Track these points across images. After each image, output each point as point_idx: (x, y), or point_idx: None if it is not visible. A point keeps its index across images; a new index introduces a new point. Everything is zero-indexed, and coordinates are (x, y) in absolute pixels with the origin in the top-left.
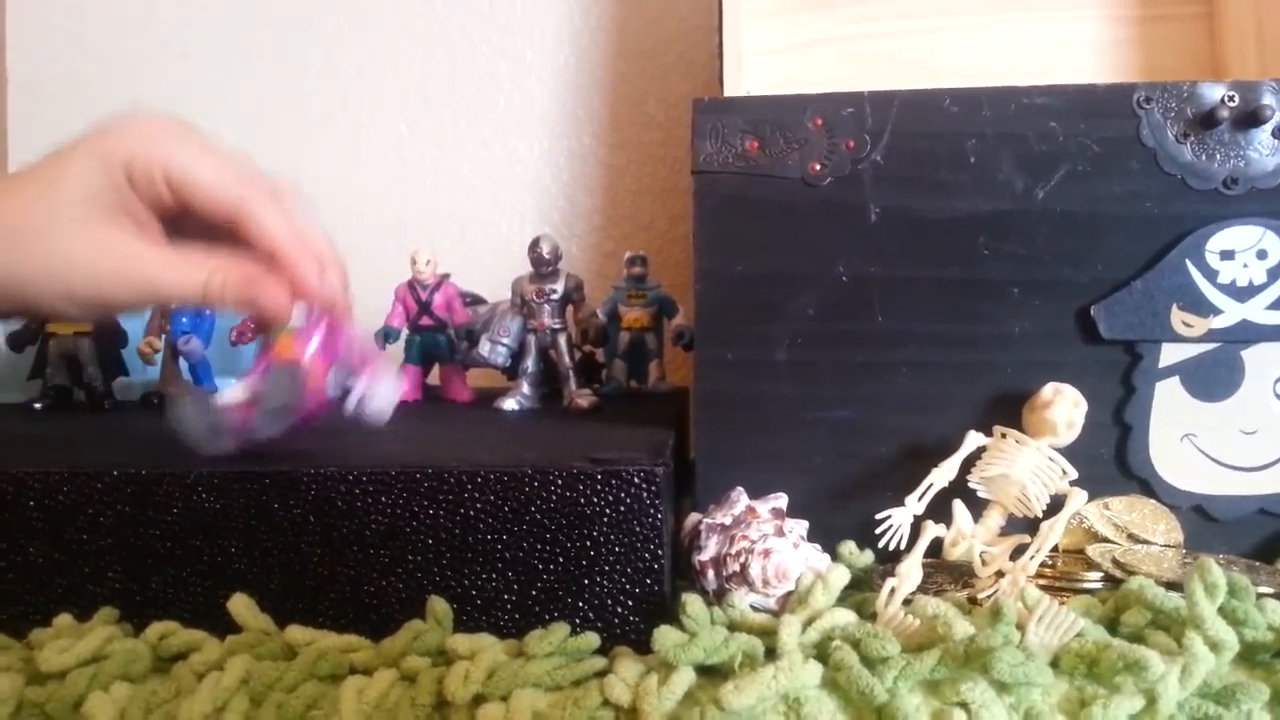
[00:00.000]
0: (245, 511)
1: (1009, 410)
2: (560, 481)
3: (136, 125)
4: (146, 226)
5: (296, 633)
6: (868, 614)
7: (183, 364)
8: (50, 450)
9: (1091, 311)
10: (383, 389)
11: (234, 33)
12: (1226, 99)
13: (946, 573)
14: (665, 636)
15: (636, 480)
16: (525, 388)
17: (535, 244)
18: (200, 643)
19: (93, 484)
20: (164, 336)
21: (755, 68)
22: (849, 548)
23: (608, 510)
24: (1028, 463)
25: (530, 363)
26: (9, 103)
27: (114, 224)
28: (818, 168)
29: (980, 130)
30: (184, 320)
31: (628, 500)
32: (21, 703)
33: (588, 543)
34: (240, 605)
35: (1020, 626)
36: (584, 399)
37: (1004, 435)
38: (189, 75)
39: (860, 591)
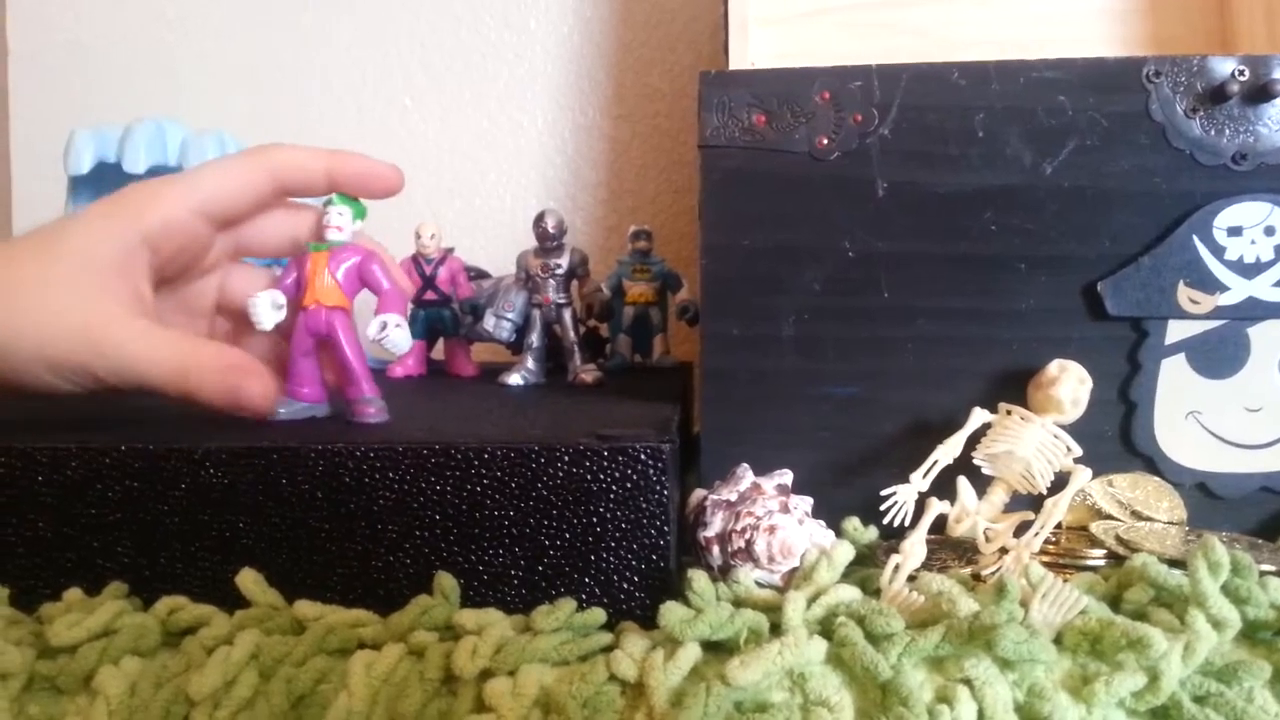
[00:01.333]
0: (253, 487)
1: (1015, 387)
2: (567, 458)
3: (155, 186)
4: (144, 299)
5: (305, 607)
6: (871, 590)
7: None
8: (57, 425)
9: (1099, 288)
10: (404, 330)
11: (233, 3)
12: (1237, 73)
13: (950, 549)
14: (671, 612)
15: (643, 457)
16: (530, 362)
17: (540, 218)
18: (209, 617)
19: (101, 459)
20: None
21: (761, 38)
22: (853, 524)
23: (614, 487)
24: (1032, 440)
25: (535, 337)
26: (9, 74)
27: (109, 291)
28: (825, 142)
29: (989, 104)
30: None
31: (634, 477)
32: (32, 676)
33: (594, 519)
34: (249, 580)
35: (1024, 603)
36: (589, 374)
37: (1009, 412)
38: (188, 46)
39: (864, 568)
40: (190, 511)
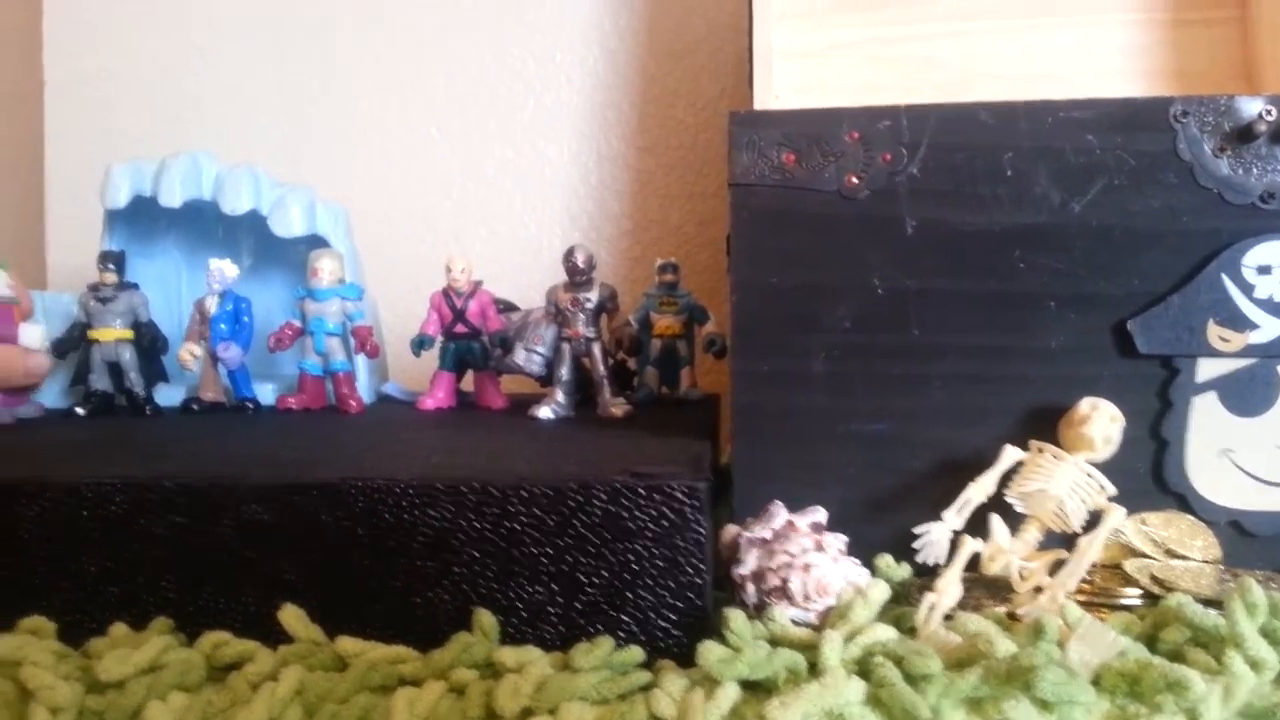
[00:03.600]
0: (295, 523)
1: (1045, 424)
2: (604, 496)
3: None
4: None
5: (347, 644)
6: (906, 628)
7: (221, 370)
8: (100, 458)
9: (1128, 326)
10: None
11: (262, 34)
12: (1264, 113)
13: (984, 588)
14: (710, 652)
15: (679, 495)
16: (560, 396)
17: (570, 253)
18: (253, 653)
19: (146, 494)
20: (203, 343)
21: (785, 71)
22: (886, 561)
23: (650, 524)
24: (1065, 478)
25: (565, 371)
26: (45, 105)
27: None
28: (854, 181)
29: (1017, 144)
30: (223, 327)
31: (670, 514)
32: (82, 711)
33: (630, 556)
34: (291, 616)
35: (1060, 644)
36: (618, 407)
37: (1041, 450)
38: (219, 78)
39: (898, 605)
40: (233, 546)
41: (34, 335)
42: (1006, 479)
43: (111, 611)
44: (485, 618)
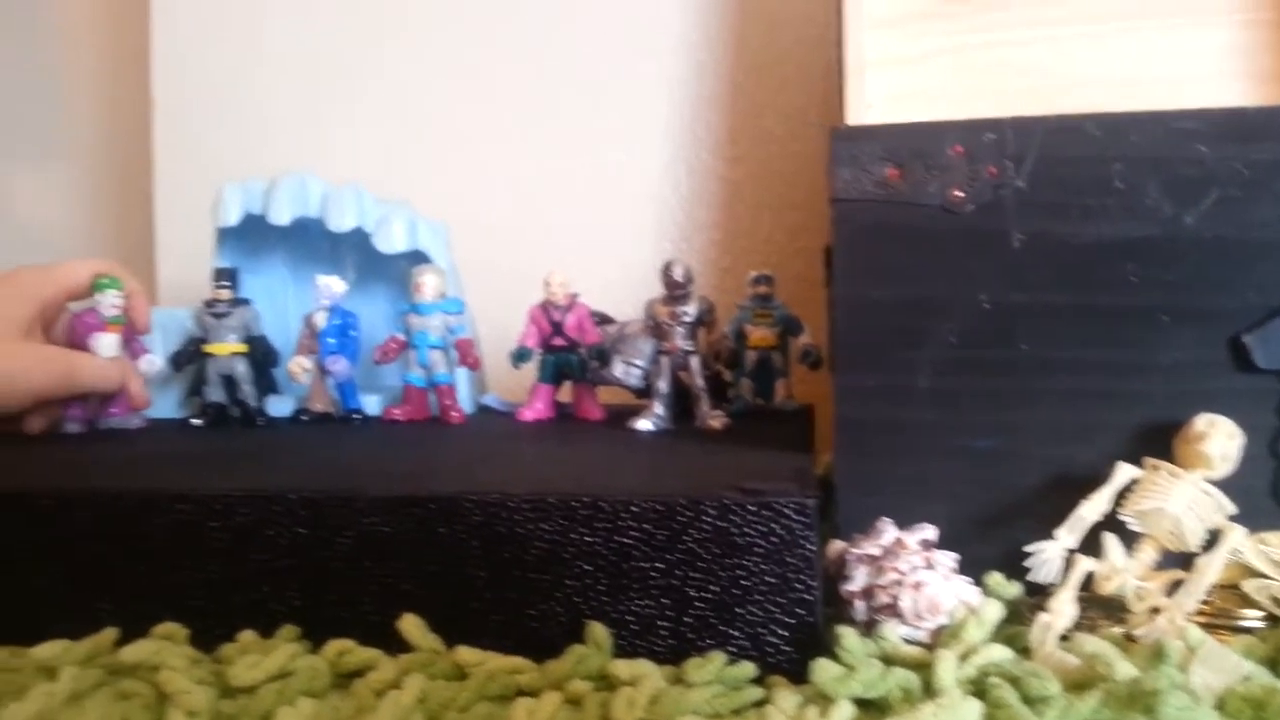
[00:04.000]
0: (412, 535)
1: (1159, 440)
2: (713, 512)
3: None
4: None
5: (466, 653)
6: (1019, 648)
7: (330, 382)
8: (223, 470)
9: (1244, 340)
10: None
11: (360, 55)
12: None
13: (1098, 608)
14: (824, 670)
15: (789, 511)
16: (658, 408)
17: (668, 267)
18: (376, 661)
19: (270, 506)
20: (313, 357)
21: (876, 79)
22: (996, 579)
23: (760, 541)
24: (1183, 496)
25: (663, 384)
26: (154, 124)
27: (34, 336)
28: (959, 194)
29: (1126, 155)
30: (331, 341)
31: (780, 531)
32: (216, 715)
33: (740, 572)
34: (411, 625)
35: (1182, 667)
36: (716, 419)
37: (1157, 467)
38: (322, 98)
39: (1010, 625)
40: (353, 557)
41: (109, 345)
42: (1121, 497)
43: (238, 618)
44: (598, 630)
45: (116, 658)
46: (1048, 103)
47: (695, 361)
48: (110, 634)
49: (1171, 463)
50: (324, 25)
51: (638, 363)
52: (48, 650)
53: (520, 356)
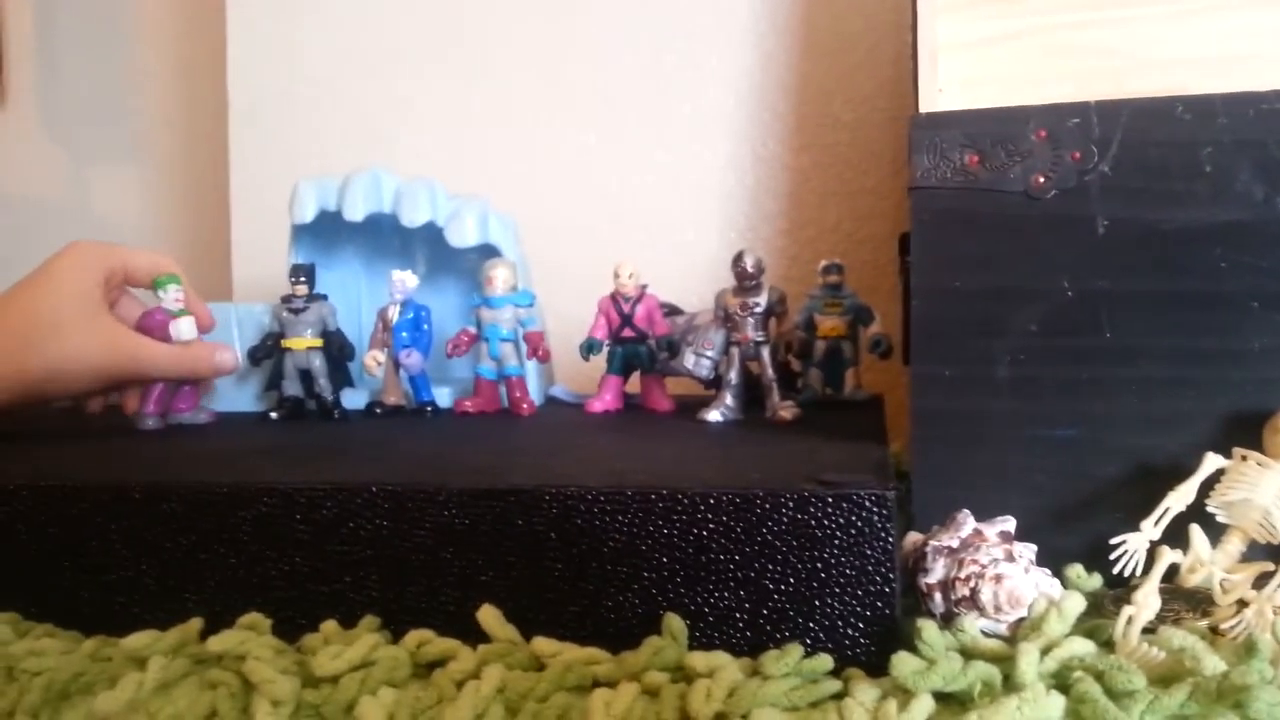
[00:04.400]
0: (491, 527)
1: (1247, 430)
2: (791, 504)
3: (98, 245)
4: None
5: (543, 644)
6: (1101, 641)
7: (403, 375)
8: (305, 464)
9: None
10: None
11: (428, 52)
12: None
13: (1182, 600)
14: (904, 663)
15: (868, 504)
16: (729, 399)
17: (739, 258)
18: (455, 651)
19: (353, 499)
20: (386, 350)
21: (949, 63)
22: (1077, 571)
23: (839, 533)
24: (1271, 487)
25: (733, 375)
26: (230, 127)
27: (103, 313)
28: (1042, 180)
29: (1216, 138)
30: (404, 335)
31: (858, 523)
32: (300, 704)
33: (818, 564)
34: (489, 616)
35: (1272, 662)
36: (787, 410)
37: (1245, 458)
38: (393, 98)
39: (1091, 617)
40: (433, 549)
41: (187, 328)
42: (1207, 488)
43: (321, 609)
44: (675, 622)
45: (203, 648)
46: (1128, 85)
47: (766, 352)
48: (196, 624)
49: (1260, 452)
50: (393, 24)
51: (708, 353)
52: (137, 640)
53: (590, 348)
